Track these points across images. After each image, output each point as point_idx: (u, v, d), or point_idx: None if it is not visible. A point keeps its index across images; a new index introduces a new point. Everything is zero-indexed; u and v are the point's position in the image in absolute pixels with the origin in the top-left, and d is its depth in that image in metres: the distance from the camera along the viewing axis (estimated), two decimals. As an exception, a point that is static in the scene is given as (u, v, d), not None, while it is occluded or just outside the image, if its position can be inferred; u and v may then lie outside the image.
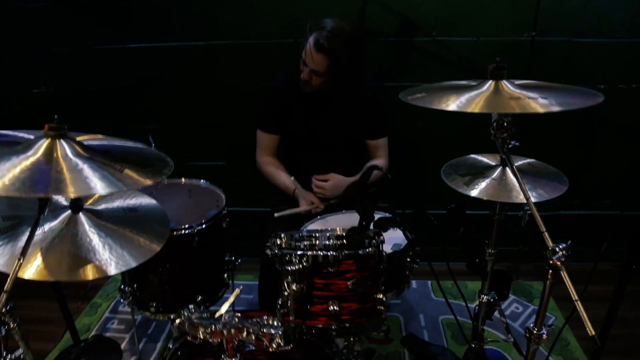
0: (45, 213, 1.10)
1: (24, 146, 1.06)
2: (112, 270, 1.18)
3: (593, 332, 1.06)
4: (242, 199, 2.45)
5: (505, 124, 1.14)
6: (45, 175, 1.00)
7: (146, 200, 1.50)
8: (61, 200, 1.42)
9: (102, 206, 1.41)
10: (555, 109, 1.10)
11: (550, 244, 1.12)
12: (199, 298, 1.87)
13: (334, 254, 1.16)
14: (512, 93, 1.16)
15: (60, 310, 1.98)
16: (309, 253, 1.16)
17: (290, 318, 1.16)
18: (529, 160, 1.63)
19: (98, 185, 1.01)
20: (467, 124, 2.29)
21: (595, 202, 2.60)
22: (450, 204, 1.59)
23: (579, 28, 2.21)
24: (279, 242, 1.26)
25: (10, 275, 1.06)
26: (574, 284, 1.04)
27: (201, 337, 1.14)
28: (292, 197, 1.99)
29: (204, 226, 1.77)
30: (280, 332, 1.07)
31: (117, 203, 1.45)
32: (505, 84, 1.19)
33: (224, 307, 1.21)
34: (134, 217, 1.41)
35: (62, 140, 1.06)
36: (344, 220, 1.80)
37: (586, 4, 2.17)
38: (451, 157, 1.68)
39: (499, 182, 1.53)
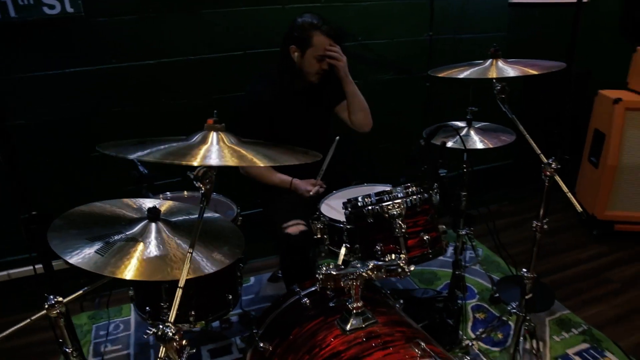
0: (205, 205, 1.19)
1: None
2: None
3: (580, 209, 1.61)
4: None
5: (506, 88, 1.62)
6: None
7: (215, 216, 1.62)
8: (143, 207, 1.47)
9: (175, 218, 1.49)
10: (534, 72, 1.63)
11: (545, 159, 1.65)
12: (230, 297, 1.98)
13: (419, 197, 1.50)
14: (507, 67, 1.65)
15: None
16: (403, 199, 1.48)
17: (403, 252, 1.46)
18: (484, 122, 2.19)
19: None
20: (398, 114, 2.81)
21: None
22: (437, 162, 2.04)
23: (458, 27, 2.92)
24: (359, 204, 1.54)
25: (183, 272, 1.14)
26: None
27: (341, 285, 1.36)
28: (278, 190, 2.21)
29: (231, 224, 1.90)
30: (405, 260, 1.36)
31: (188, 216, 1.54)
32: (499, 61, 1.69)
33: (340, 259, 1.45)
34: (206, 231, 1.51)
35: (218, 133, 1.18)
36: (352, 194, 2.11)
37: (463, 10, 2.89)
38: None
39: (466, 138, 2.06)
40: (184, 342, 1.09)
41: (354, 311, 1.39)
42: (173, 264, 1.28)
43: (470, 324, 2.35)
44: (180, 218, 1.51)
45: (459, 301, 2.18)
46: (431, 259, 1.55)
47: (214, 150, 1.10)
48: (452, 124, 2.10)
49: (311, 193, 2.11)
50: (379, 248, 1.51)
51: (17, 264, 2.48)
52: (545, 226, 1.73)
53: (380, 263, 1.36)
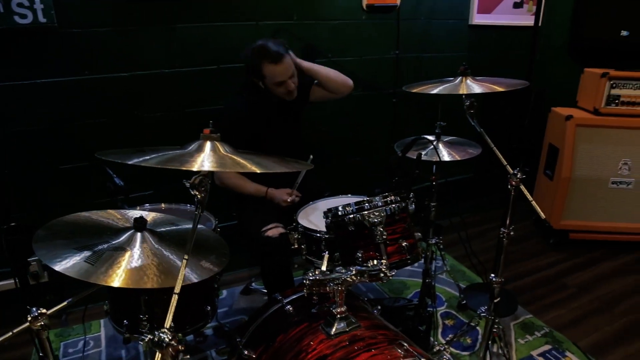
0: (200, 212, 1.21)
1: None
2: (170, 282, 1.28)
3: (544, 216, 1.74)
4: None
5: (474, 103, 1.74)
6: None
7: (200, 226, 1.63)
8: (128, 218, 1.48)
9: (160, 229, 1.50)
10: (500, 89, 1.75)
11: (511, 170, 1.77)
12: (208, 308, 1.98)
13: (397, 205, 1.58)
14: (475, 85, 1.77)
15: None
16: (383, 208, 1.55)
17: (384, 257, 1.53)
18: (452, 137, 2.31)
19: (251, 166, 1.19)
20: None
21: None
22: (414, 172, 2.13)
23: (423, 47, 3.08)
24: (339, 213, 1.60)
25: (180, 275, 1.17)
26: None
27: (327, 290, 1.41)
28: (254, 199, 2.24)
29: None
30: (386, 266, 1.43)
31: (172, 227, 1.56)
32: (468, 79, 1.80)
33: (324, 265, 1.50)
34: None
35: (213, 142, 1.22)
36: (327, 205, 2.16)
37: (425, 32, 3.05)
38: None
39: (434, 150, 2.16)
40: (180, 347, 1.11)
41: (338, 316, 1.44)
42: (160, 272, 1.30)
43: (440, 330, 2.44)
44: (166, 228, 1.53)
45: (430, 308, 2.27)
46: (410, 264, 1.62)
47: (210, 158, 1.14)
48: (425, 137, 2.21)
49: (288, 200, 2.15)
50: (360, 255, 1.58)
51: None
52: (512, 232, 1.85)
53: (363, 268, 1.42)
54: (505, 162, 1.77)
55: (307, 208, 2.15)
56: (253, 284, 2.79)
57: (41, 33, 2.18)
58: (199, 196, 1.16)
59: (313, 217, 2.00)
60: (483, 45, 3.35)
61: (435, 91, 1.78)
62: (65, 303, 1.35)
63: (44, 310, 1.27)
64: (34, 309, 1.26)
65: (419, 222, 2.32)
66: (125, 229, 1.43)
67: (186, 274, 1.32)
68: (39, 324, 1.27)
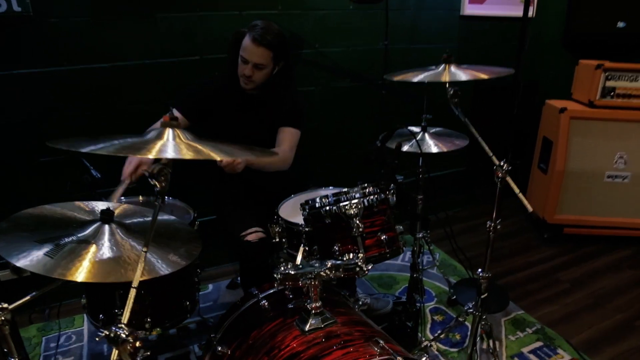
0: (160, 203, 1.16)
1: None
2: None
3: (531, 209, 1.69)
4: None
5: (458, 92, 1.68)
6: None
7: (171, 218, 1.59)
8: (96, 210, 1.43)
9: (129, 220, 1.45)
10: (484, 76, 1.69)
11: (497, 162, 1.71)
12: (187, 303, 1.93)
13: (376, 197, 1.52)
14: (459, 72, 1.71)
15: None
16: (361, 200, 1.49)
17: (361, 251, 1.47)
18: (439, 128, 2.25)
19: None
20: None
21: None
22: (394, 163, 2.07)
23: (411, 38, 3.01)
24: (316, 205, 1.54)
25: (138, 269, 1.11)
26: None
27: (300, 284, 1.35)
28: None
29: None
30: (363, 260, 1.38)
31: (139, 218, 1.50)
32: (452, 66, 1.74)
33: (298, 258, 1.45)
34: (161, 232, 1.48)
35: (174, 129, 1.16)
36: (309, 197, 2.10)
37: (414, 22, 2.99)
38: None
39: (422, 142, 2.11)
40: (137, 343, 1.06)
41: (313, 311, 1.38)
42: (127, 265, 1.24)
43: (429, 325, 2.39)
44: (135, 220, 1.48)
45: (417, 304, 2.22)
46: (388, 258, 1.57)
47: (170, 145, 1.08)
48: (408, 128, 2.15)
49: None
50: (337, 248, 1.52)
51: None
52: (499, 226, 1.79)
53: (338, 262, 1.37)
54: (491, 154, 1.71)
55: (289, 201, 2.09)
56: (239, 278, 2.74)
57: (16, 22, 2.12)
58: (158, 186, 1.10)
59: (295, 210, 1.95)
60: (475, 36, 3.28)
61: (417, 79, 1.72)
62: (28, 297, 1.30)
63: (5, 305, 1.23)
64: (-4, 302, 1.22)
65: (406, 216, 2.29)
66: (92, 222, 1.38)
67: (153, 267, 1.27)
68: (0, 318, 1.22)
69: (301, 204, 1.63)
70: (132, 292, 1.10)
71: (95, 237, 1.31)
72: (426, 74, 1.74)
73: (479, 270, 1.84)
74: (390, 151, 1.70)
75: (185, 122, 2.12)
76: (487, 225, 1.78)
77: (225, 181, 2.27)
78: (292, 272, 1.34)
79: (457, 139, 2.13)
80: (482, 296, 1.86)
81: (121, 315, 1.80)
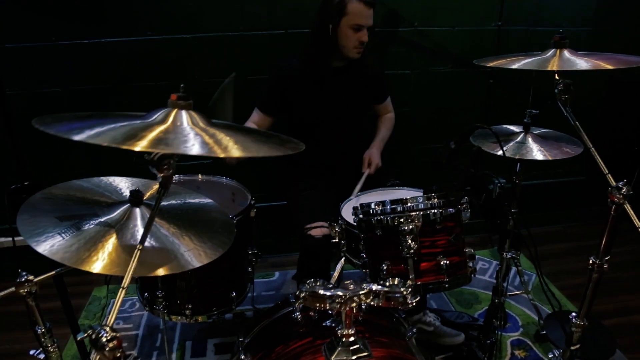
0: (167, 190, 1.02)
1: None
2: (173, 268, 1.10)
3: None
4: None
5: (570, 87, 1.30)
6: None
7: (205, 200, 1.45)
8: (123, 192, 1.34)
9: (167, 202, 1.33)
10: (609, 66, 1.29)
11: (613, 182, 1.31)
12: (233, 294, 1.82)
13: (441, 211, 1.23)
14: (575, 59, 1.32)
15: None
16: (419, 213, 1.22)
17: (411, 276, 1.21)
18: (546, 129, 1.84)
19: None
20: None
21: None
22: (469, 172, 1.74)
23: (536, 19, 2.53)
24: (371, 211, 1.29)
25: (129, 270, 0.98)
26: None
27: (327, 307, 1.14)
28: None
29: (240, 217, 1.74)
30: (410, 290, 1.11)
31: (177, 200, 1.38)
32: (565, 52, 1.36)
33: (335, 275, 1.22)
34: (194, 216, 1.35)
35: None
36: (378, 196, 1.87)
37: (540, -1, 2.52)
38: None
39: (522, 145, 1.73)
40: (118, 353, 0.93)
41: (343, 339, 1.17)
42: (152, 257, 1.13)
43: (506, 360, 2.03)
44: (172, 202, 1.37)
45: (497, 332, 1.89)
46: (447, 288, 1.28)
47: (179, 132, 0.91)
48: (502, 127, 1.80)
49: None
50: (385, 267, 1.27)
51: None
52: (606, 265, 1.39)
53: (377, 287, 1.12)
54: (606, 171, 1.32)
55: (361, 196, 1.88)
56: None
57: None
58: (161, 176, 0.95)
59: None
60: (616, 17, 2.67)
61: (515, 66, 1.36)
62: (53, 272, 1.26)
63: (31, 277, 1.19)
64: (24, 273, 1.19)
65: (494, 230, 1.94)
66: (120, 203, 1.29)
67: (177, 260, 1.14)
68: (24, 290, 1.19)
69: (354, 207, 1.40)
70: (121, 294, 0.97)
71: (120, 222, 1.21)
72: (528, 60, 1.38)
73: (573, 314, 1.47)
74: (471, 156, 1.38)
75: (270, 120, 2.07)
76: (590, 262, 1.39)
77: (297, 162, 2.13)
78: (321, 292, 1.13)
79: (568, 145, 1.71)
80: (573, 347, 1.48)
81: (163, 299, 1.77)
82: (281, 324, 1.43)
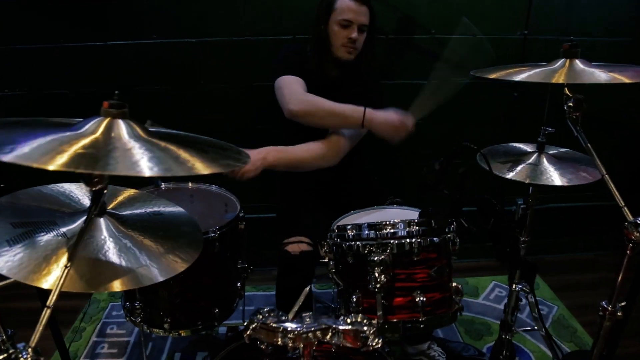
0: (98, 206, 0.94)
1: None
2: (138, 282, 1.02)
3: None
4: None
5: (583, 103, 1.13)
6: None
7: (171, 208, 1.36)
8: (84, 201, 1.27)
9: (126, 212, 1.25)
10: (626, 79, 1.12)
11: (630, 217, 1.13)
12: (216, 311, 1.73)
13: (419, 240, 1.09)
14: (588, 69, 1.16)
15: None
16: (392, 241, 1.08)
17: (379, 314, 1.07)
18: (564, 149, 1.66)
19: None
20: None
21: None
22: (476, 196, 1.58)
23: (565, 27, 2.33)
24: (345, 235, 1.17)
25: (56, 286, 0.90)
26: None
27: (279, 342, 1.02)
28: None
29: (225, 230, 1.65)
30: (374, 330, 0.98)
31: (140, 209, 1.30)
32: (577, 61, 1.19)
33: (294, 309, 1.10)
34: (159, 224, 1.27)
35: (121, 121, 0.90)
36: (370, 217, 1.73)
37: (571, 6, 2.30)
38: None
39: (535, 167, 1.55)
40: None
41: (303, 377, 1.05)
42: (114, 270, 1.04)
43: (514, 403, 1.84)
44: (138, 211, 1.28)
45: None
46: (423, 330, 1.14)
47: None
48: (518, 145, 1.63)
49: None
50: (354, 299, 1.14)
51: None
52: (619, 313, 1.20)
53: (335, 324, 1.00)
54: (622, 204, 1.14)
55: (353, 215, 1.74)
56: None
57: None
58: (92, 190, 0.87)
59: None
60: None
61: (518, 78, 1.20)
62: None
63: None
64: None
65: (503, 259, 1.76)
66: (82, 212, 1.22)
67: (137, 273, 1.05)
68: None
69: (331, 229, 1.28)
70: (46, 313, 0.89)
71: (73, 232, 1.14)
72: (533, 71, 1.21)
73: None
74: (459, 177, 1.23)
75: (302, 81, 1.83)
76: (600, 309, 1.21)
77: (291, 175, 2.00)
78: (273, 325, 1.01)
79: (587, 168, 1.53)
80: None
81: (140, 310, 1.70)
82: (247, 351, 1.32)
